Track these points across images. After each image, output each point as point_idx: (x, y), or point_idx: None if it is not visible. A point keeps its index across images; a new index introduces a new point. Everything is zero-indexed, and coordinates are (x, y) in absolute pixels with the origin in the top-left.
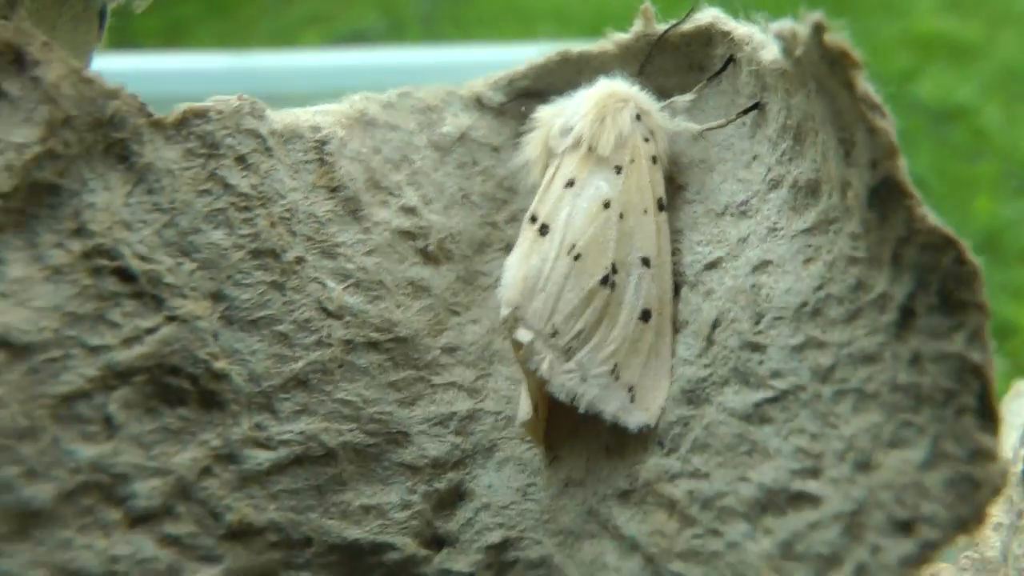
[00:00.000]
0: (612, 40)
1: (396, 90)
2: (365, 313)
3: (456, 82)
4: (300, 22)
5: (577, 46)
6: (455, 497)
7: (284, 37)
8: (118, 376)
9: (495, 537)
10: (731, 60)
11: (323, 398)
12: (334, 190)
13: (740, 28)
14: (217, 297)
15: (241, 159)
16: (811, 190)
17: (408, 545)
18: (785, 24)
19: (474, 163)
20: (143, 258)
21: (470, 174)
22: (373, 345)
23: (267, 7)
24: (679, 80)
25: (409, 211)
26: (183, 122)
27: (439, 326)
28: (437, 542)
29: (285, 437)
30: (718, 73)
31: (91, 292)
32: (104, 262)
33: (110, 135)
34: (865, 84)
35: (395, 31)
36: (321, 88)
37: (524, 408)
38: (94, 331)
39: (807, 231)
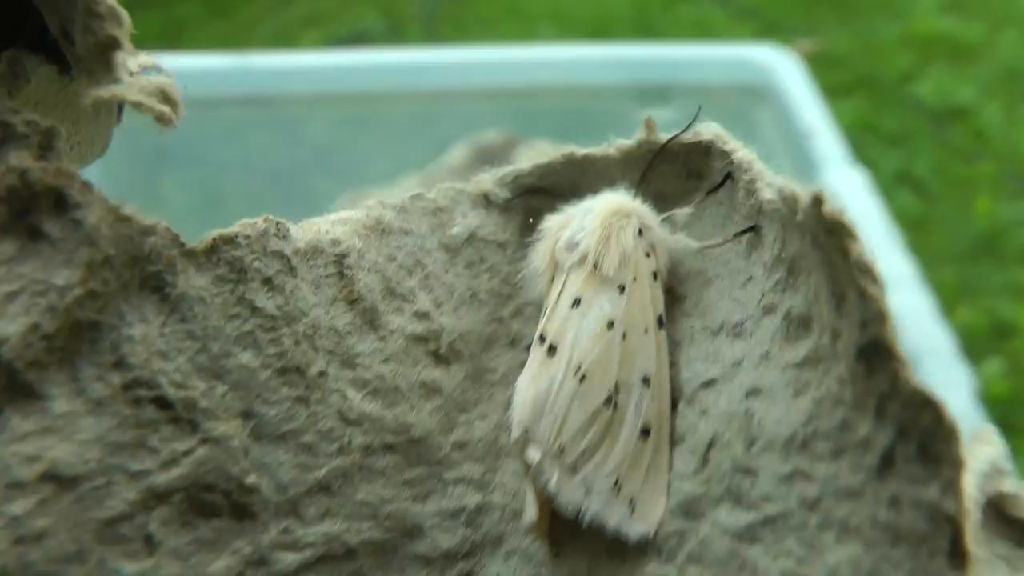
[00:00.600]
0: (615, 146)
1: (409, 193)
2: (382, 419)
3: (456, 83)
4: (300, 23)
5: (581, 150)
6: None
7: (284, 38)
8: (157, 497)
9: None
10: (729, 177)
11: (344, 500)
12: (353, 302)
13: (740, 151)
14: (247, 415)
15: (267, 281)
16: (803, 324)
17: None
18: (787, 185)
19: (482, 260)
20: (179, 385)
21: (478, 272)
22: (389, 448)
23: (267, 8)
24: (677, 186)
25: (422, 316)
26: (213, 249)
27: (449, 424)
28: None
29: (310, 539)
30: (715, 189)
31: (131, 421)
32: (143, 392)
33: (146, 269)
34: (860, 251)
35: (395, 31)
36: (321, 88)
37: (530, 511)
38: (135, 457)
39: (798, 365)
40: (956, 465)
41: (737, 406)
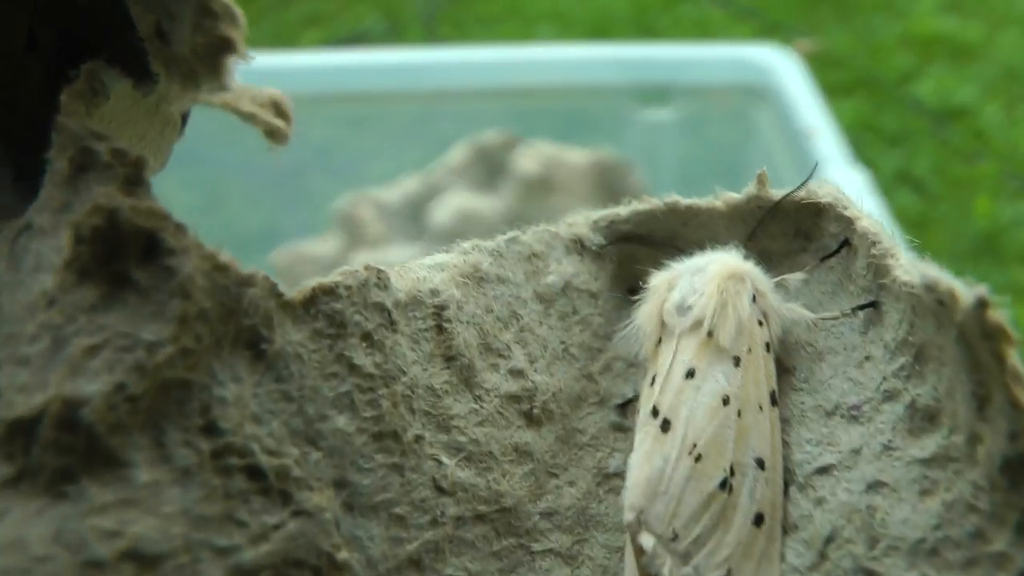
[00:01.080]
0: (722, 198)
1: (504, 236)
2: (475, 487)
3: (456, 83)
4: (300, 23)
5: (686, 200)
6: None
7: (284, 38)
8: (245, 575)
9: None
10: (846, 243)
11: (432, 575)
12: (451, 359)
13: (864, 220)
14: (340, 485)
15: (367, 336)
16: (929, 416)
17: None
18: (942, 279)
19: (574, 312)
20: (272, 452)
21: (570, 324)
22: (480, 518)
23: (267, 8)
24: (784, 245)
25: (517, 373)
26: (312, 301)
27: (539, 491)
28: None
29: None
30: (831, 255)
31: (219, 492)
32: (234, 460)
33: (241, 323)
34: (1015, 360)
35: (395, 31)
36: (321, 88)
37: None
38: (222, 532)
39: (925, 461)
40: None
41: (858, 499)
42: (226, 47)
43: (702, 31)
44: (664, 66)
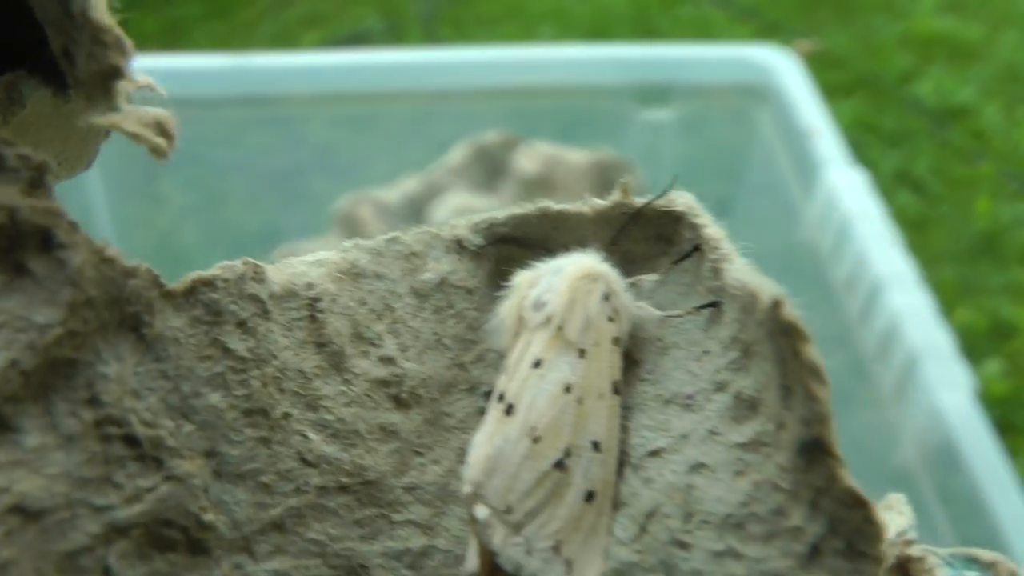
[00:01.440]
0: (589, 204)
1: (385, 237)
2: (339, 461)
3: (456, 83)
4: (299, 23)
5: (557, 205)
6: None
7: (284, 38)
8: (118, 531)
9: None
10: (697, 248)
11: (295, 539)
12: (322, 345)
13: (710, 228)
14: (210, 454)
15: (241, 324)
16: (750, 407)
17: None
18: (750, 280)
19: (449, 306)
20: (147, 424)
21: (444, 317)
22: (343, 489)
23: (266, 8)
24: (646, 249)
25: (387, 360)
26: (192, 291)
27: (403, 467)
28: None
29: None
30: (683, 259)
31: (99, 457)
32: (113, 429)
33: (125, 310)
34: (811, 353)
35: (395, 32)
36: (321, 88)
37: (471, 561)
38: (100, 492)
39: (742, 446)
40: (877, 562)
41: (681, 479)
42: (115, 74)
43: (702, 32)
44: (664, 66)
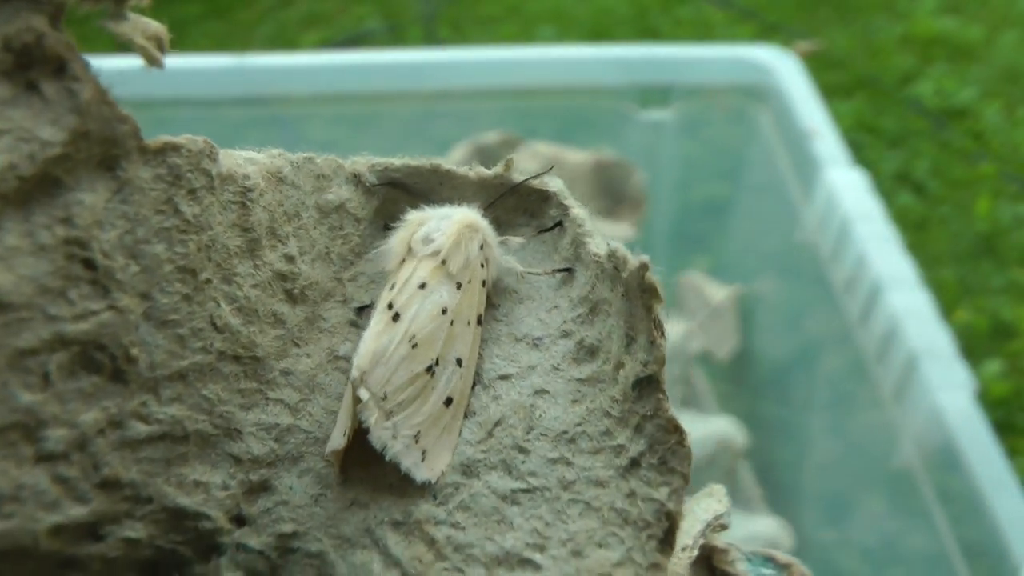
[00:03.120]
0: (475, 171)
1: (303, 155)
2: (239, 333)
3: (456, 83)
4: (300, 24)
5: (447, 164)
6: (262, 489)
7: (284, 38)
8: (62, 343)
9: (286, 528)
10: (559, 225)
11: (193, 392)
12: (245, 230)
13: (576, 209)
14: (145, 297)
15: (192, 191)
16: (590, 352)
17: (219, 518)
18: (619, 248)
19: (341, 228)
20: (105, 254)
21: (335, 236)
22: (236, 359)
23: (267, 8)
24: (513, 218)
25: (289, 258)
26: (161, 151)
27: (283, 353)
28: (239, 520)
29: (159, 417)
30: (547, 230)
31: (62, 272)
32: (77, 251)
33: (110, 150)
34: (660, 311)
35: (395, 32)
36: (321, 88)
37: (337, 440)
38: (55, 303)
39: (580, 380)
40: (684, 479)
41: (525, 399)
42: None
43: (702, 32)
44: (664, 67)
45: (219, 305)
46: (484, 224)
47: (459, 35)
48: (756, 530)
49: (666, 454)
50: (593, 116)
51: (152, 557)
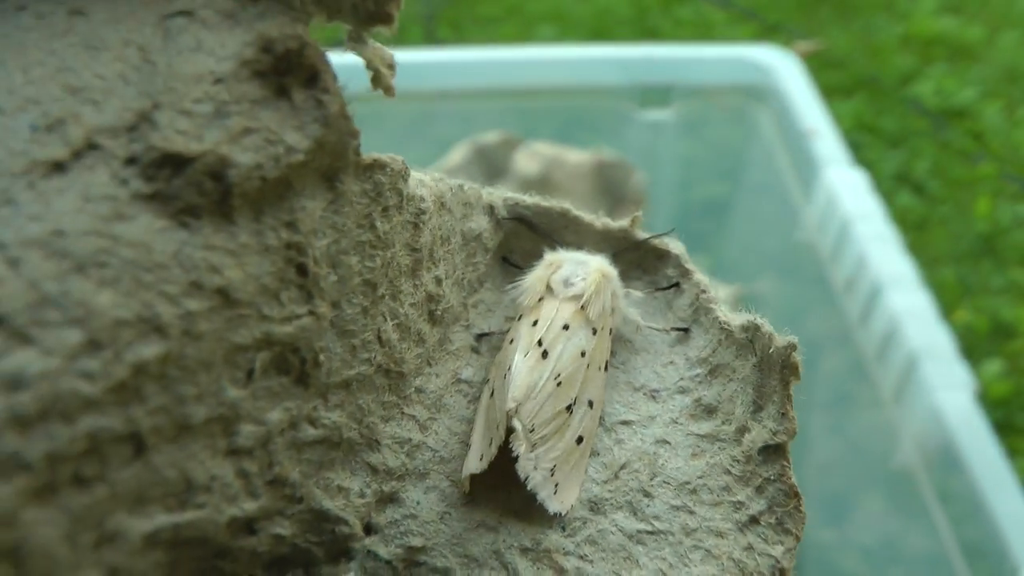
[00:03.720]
0: (602, 221)
1: (457, 182)
2: (395, 348)
3: (456, 83)
4: None
5: (576, 210)
6: (390, 500)
7: None
8: (268, 343)
9: (415, 541)
10: (676, 285)
11: (352, 400)
12: (414, 250)
13: (698, 274)
14: (335, 306)
15: (386, 209)
16: (708, 411)
17: (355, 524)
18: (763, 324)
19: (474, 255)
20: (315, 261)
21: (469, 263)
22: (387, 372)
23: None
24: (627, 270)
25: (438, 280)
26: (370, 167)
27: (419, 370)
28: (368, 529)
29: (324, 421)
30: (664, 288)
31: (280, 274)
32: (294, 255)
33: (336, 162)
34: (795, 386)
35: (395, 33)
36: None
37: (473, 464)
38: (269, 304)
39: (699, 436)
40: (797, 539)
41: (648, 447)
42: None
43: (702, 32)
44: (664, 67)
45: (386, 320)
46: (615, 275)
47: (459, 35)
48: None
49: (784, 516)
50: (593, 116)
51: (288, 554)
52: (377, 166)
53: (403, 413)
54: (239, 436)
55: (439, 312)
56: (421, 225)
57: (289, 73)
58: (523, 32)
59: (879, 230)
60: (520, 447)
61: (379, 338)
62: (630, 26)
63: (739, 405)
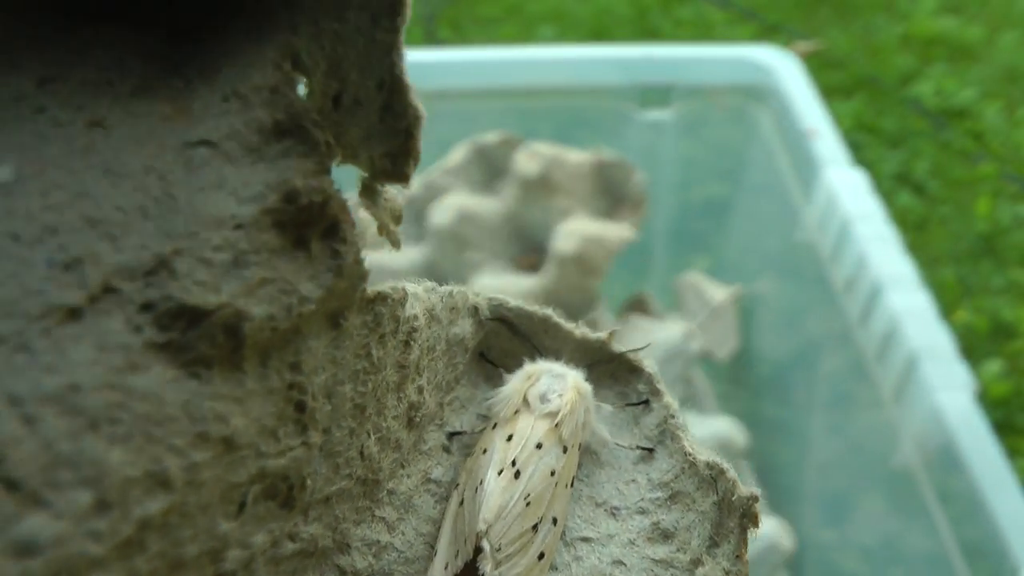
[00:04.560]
0: (580, 330)
1: (446, 289)
2: (374, 459)
3: (456, 83)
4: None
5: (556, 317)
6: None
7: None
8: (262, 477)
9: None
10: (646, 403)
11: (329, 512)
12: (403, 367)
13: (668, 397)
14: (326, 432)
15: (382, 336)
16: (664, 535)
17: None
18: (727, 469)
19: (454, 357)
20: (314, 396)
21: (449, 365)
22: (364, 481)
23: None
24: (597, 377)
25: (420, 390)
26: (372, 300)
27: (392, 474)
28: None
29: (303, 535)
30: (634, 405)
31: (279, 413)
32: (295, 394)
33: (344, 304)
34: (754, 533)
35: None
36: None
37: (439, 572)
38: (266, 441)
39: (654, 560)
40: None
41: (604, 567)
42: (412, 152)
43: (702, 32)
44: (664, 66)
45: (369, 436)
46: (589, 391)
47: (459, 35)
48: (756, 531)
49: None
50: (593, 116)
51: None
52: (379, 299)
53: (374, 516)
54: (225, 562)
55: (418, 418)
56: (412, 343)
57: (310, 224)
58: (523, 32)
59: (879, 230)
60: (486, 566)
61: (361, 453)
62: (630, 26)
63: (696, 536)
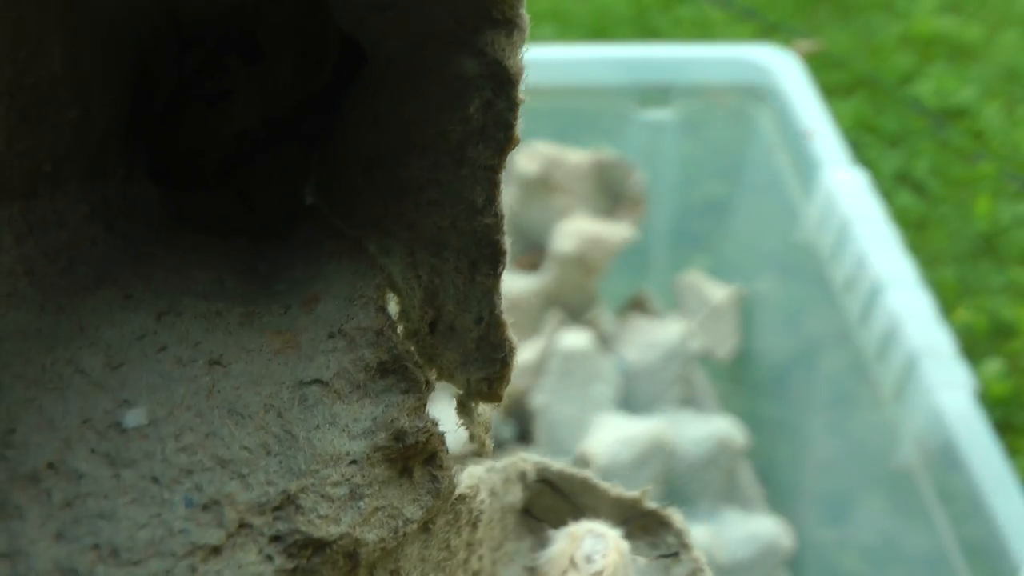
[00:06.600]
0: (616, 491)
1: (504, 462)
2: None
3: None
4: None
5: (595, 479)
6: None
7: None
8: None
9: None
10: (675, 555)
11: None
12: (470, 545)
13: (697, 550)
14: None
15: (459, 529)
16: None
17: None
18: None
19: (505, 519)
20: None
21: (501, 526)
22: None
23: None
24: (629, 535)
25: (480, 558)
26: (458, 499)
27: None
28: None
29: None
30: (664, 557)
31: None
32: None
33: (434, 515)
34: None
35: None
36: None
37: None
38: None
39: None
40: None
41: None
42: (507, 378)
43: (702, 32)
44: (664, 66)
45: None
46: (627, 549)
47: None
48: (756, 530)
49: None
50: (593, 116)
51: None
52: (459, 499)
53: None
54: None
55: None
56: (478, 524)
57: (414, 456)
58: None
59: (879, 230)
60: None
61: None
62: (630, 26)
63: None
